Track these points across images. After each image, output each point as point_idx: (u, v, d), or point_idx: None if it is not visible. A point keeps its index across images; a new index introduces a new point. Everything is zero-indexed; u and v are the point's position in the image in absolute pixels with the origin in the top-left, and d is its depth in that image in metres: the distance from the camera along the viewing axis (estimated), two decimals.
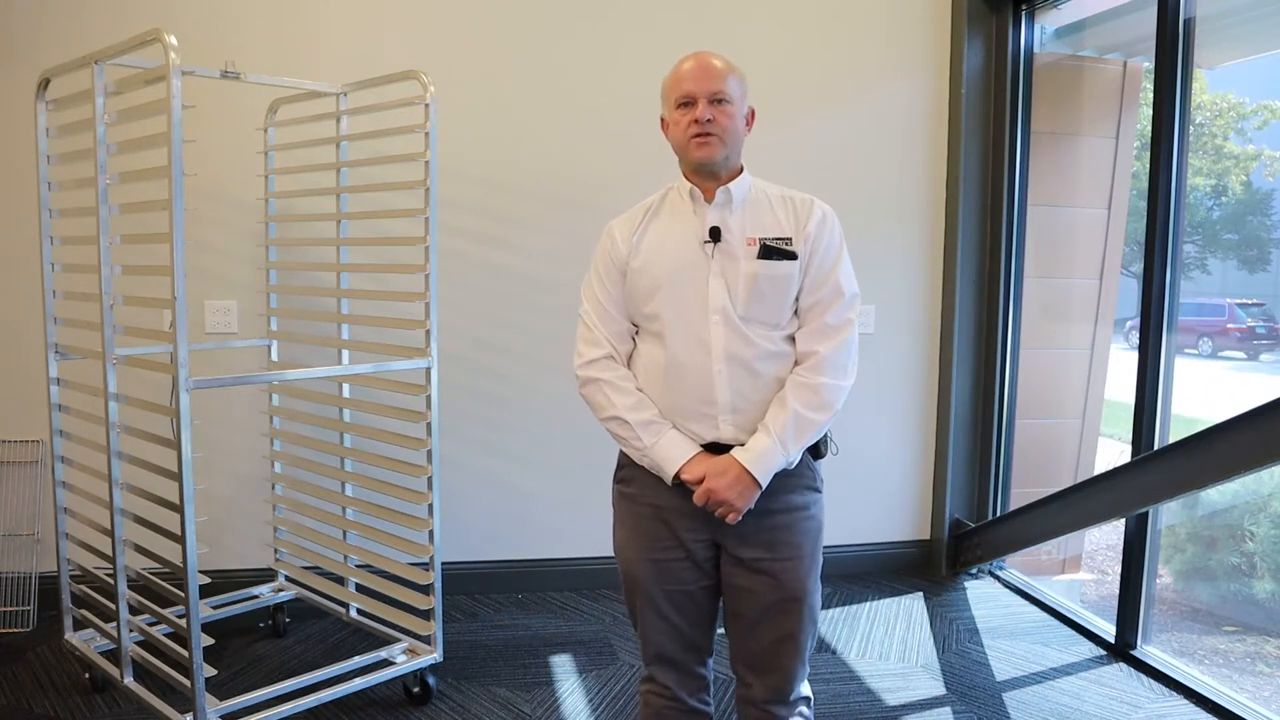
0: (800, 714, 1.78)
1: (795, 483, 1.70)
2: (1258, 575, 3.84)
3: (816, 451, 1.73)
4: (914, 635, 3.01)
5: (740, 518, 1.63)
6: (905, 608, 3.24)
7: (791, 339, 1.69)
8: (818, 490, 1.75)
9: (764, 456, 1.61)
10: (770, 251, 1.66)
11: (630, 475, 1.79)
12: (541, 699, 2.57)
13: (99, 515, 2.40)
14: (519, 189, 3.21)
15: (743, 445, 1.64)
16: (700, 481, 1.62)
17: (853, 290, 1.70)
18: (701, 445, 1.68)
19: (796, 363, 1.68)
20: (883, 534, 3.59)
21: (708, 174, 1.69)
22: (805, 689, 1.80)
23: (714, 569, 1.76)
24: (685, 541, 1.73)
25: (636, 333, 1.76)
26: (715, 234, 1.67)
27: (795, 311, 1.69)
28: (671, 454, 1.66)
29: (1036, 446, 3.73)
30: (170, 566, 2.13)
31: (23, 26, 2.89)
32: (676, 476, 1.65)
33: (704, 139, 1.64)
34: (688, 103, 1.65)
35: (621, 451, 1.79)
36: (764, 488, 1.63)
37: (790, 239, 1.67)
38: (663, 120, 1.73)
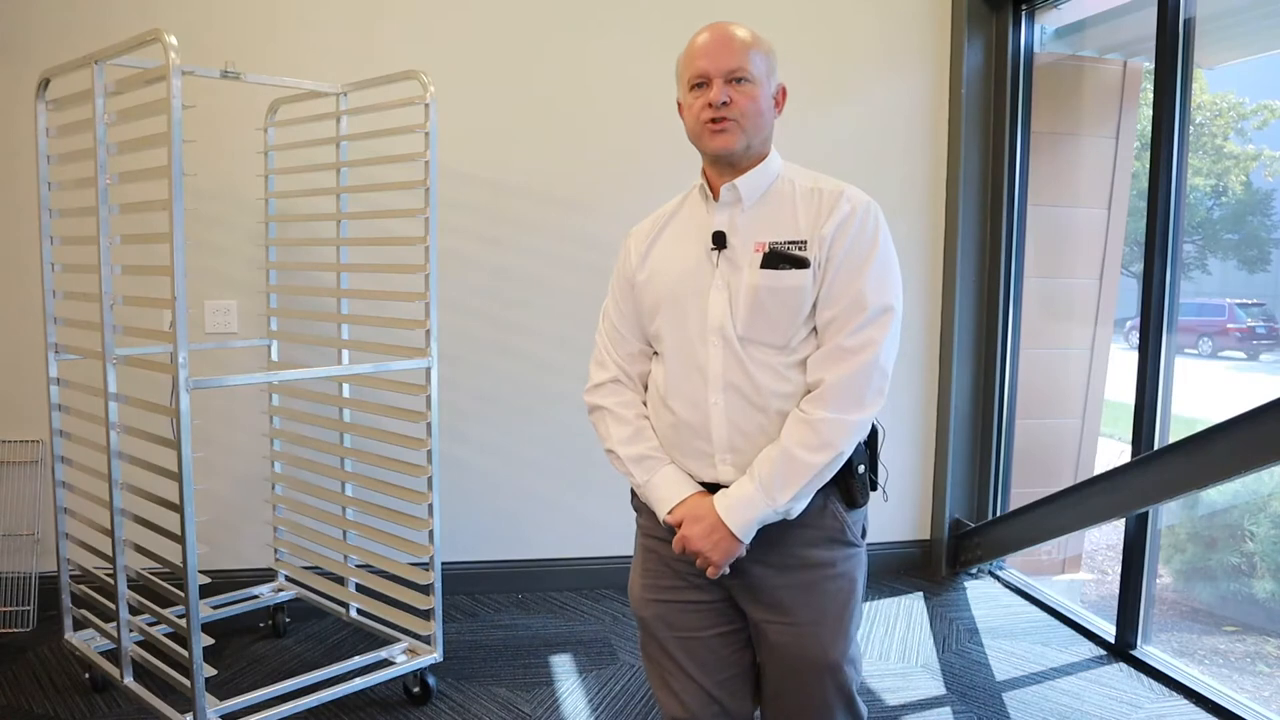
0: None
1: (815, 534, 1.43)
2: (1258, 575, 3.84)
3: (851, 499, 1.44)
4: (914, 635, 3.01)
5: (721, 572, 1.40)
6: (905, 607, 3.24)
7: (804, 365, 1.41)
8: (851, 544, 1.46)
9: (742, 506, 1.36)
10: (776, 258, 1.38)
11: (641, 504, 1.57)
12: (541, 699, 2.57)
13: (99, 515, 2.40)
14: (519, 189, 3.21)
15: None
16: (681, 525, 1.41)
17: (881, 303, 1.37)
18: (702, 484, 1.45)
19: (808, 392, 1.40)
20: (882, 534, 3.59)
21: (726, 166, 1.44)
22: None
23: (735, 613, 1.51)
24: (692, 582, 1.49)
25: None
26: (719, 239, 1.42)
27: (814, 330, 1.41)
28: (664, 494, 1.45)
29: (1036, 446, 3.73)
30: (170, 566, 2.13)
31: (23, 26, 2.88)
32: (666, 520, 1.45)
33: (720, 125, 1.39)
34: (701, 83, 1.40)
35: None
36: (745, 542, 1.38)
37: (804, 242, 1.38)
38: (678, 104, 1.50)
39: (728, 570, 1.42)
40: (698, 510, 1.40)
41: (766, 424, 1.40)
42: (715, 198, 1.46)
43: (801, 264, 1.38)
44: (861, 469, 1.44)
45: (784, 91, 1.48)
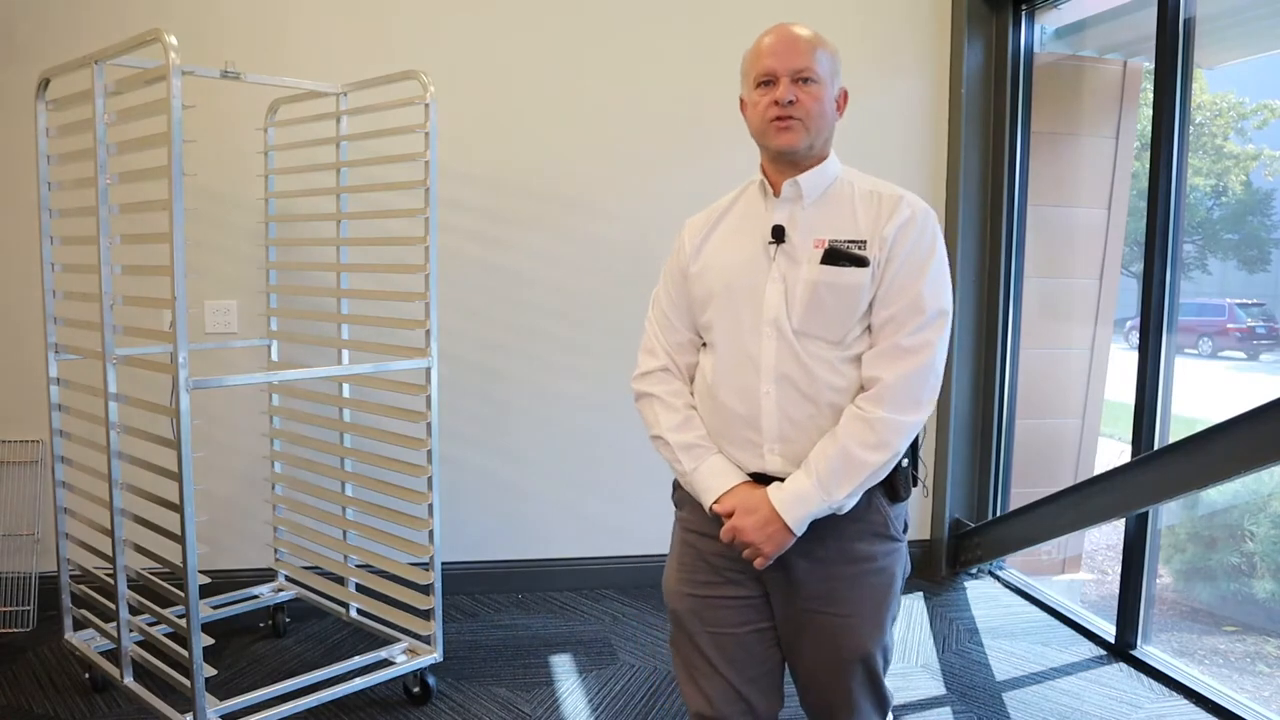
0: None
1: (860, 528, 1.46)
2: (1258, 575, 3.84)
3: (895, 493, 1.48)
4: (914, 635, 3.01)
5: (769, 563, 1.43)
6: (905, 607, 3.24)
7: (858, 361, 1.43)
8: (893, 539, 1.49)
9: (798, 500, 1.38)
10: (836, 255, 1.41)
11: (683, 498, 1.59)
12: (541, 699, 2.57)
13: (99, 515, 2.40)
14: (519, 189, 3.21)
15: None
16: (732, 515, 1.43)
17: (937, 307, 1.41)
18: (748, 474, 1.47)
19: (861, 388, 1.43)
20: None
21: (787, 163, 1.46)
22: None
23: (768, 611, 1.54)
24: (730, 578, 1.51)
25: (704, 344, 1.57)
26: (779, 233, 1.45)
27: (869, 328, 1.44)
28: (710, 483, 1.46)
29: (1036, 446, 3.73)
30: (170, 566, 2.13)
31: (23, 27, 2.88)
32: (713, 509, 1.47)
33: (785, 123, 1.41)
34: (768, 81, 1.43)
35: None
36: (797, 534, 1.40)
37: (864, 242, 1.41)
38: (741, 101, 1.52)
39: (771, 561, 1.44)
40: (750, 502, 1.42)
41: (817, 415, 1.43)
42: (776, 194, 1.48)
43: (861, 263, 1.41)
44: (905, 463, 1.47)
45: (845, 95, 1.51)
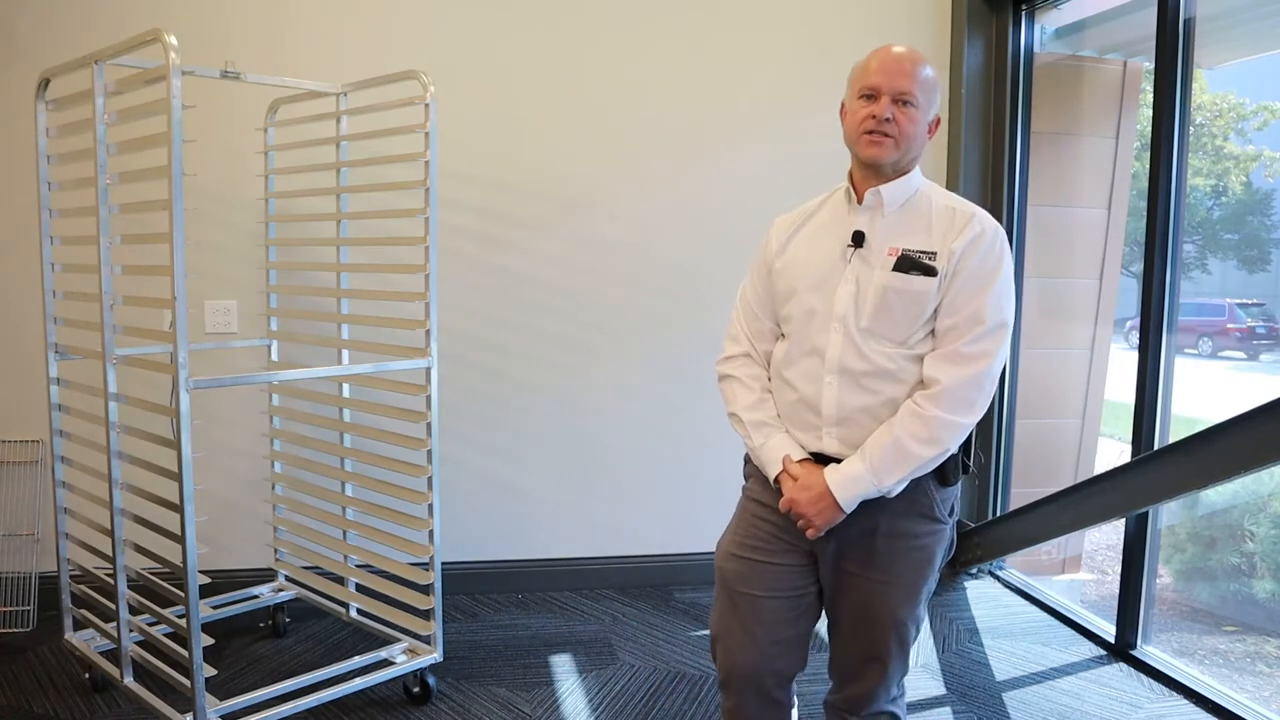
0: None
1: (907, 507, 1.59)
2: (1258, 575, 3.84)
3: (944, 479, 1.61)
4: None
5: (820, 534, 1.58)
6: None
7: (919, 360, 1.56)
8: (938, 520, 1.62)
9: (851, 482, 1.53)
10: (907, 264, 1.54)
11: (751, 470, 1.76)
12: (541, 699, 2.57)
13: (99, 515, 2.40)
14: (519, 189, 3.21)
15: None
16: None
17: (998, 320, 1.53)
18: (810, 453, 1.62)
19: (920, 385, 1.56)
20: None
21: (873, 172, 1.59)
22: (894, 706, 1.72)
23: (806, 583, 1.68)
24: (783, 546, 1.66)
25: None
26: (858, 238, 1.58)
27: (932, 332, 1.57)
28: (774, 457, 1.62)
29: (1036, 446, 3.73)
30: (170, 566, 2.13)
31: (23, 27, 2.88)
32: (777, 480, 1.62)
33: (877, 138, 1.54)
34: (871, 95, 1.55)
35: None
36: (847, 513, 1.55)
37: (935, 253, 1.54)
38: (842, 106, 1.64)
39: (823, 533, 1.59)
40: (808, 479, 1.56)
41: (874, 405, 1.56)
42: (859, 200, 1.61)
43: (930, 272, 1.54)
44: (958, 452, 1.59)
45: (938, 121, 1.65)
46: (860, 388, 1.56)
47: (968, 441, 1.61)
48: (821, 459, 1.60)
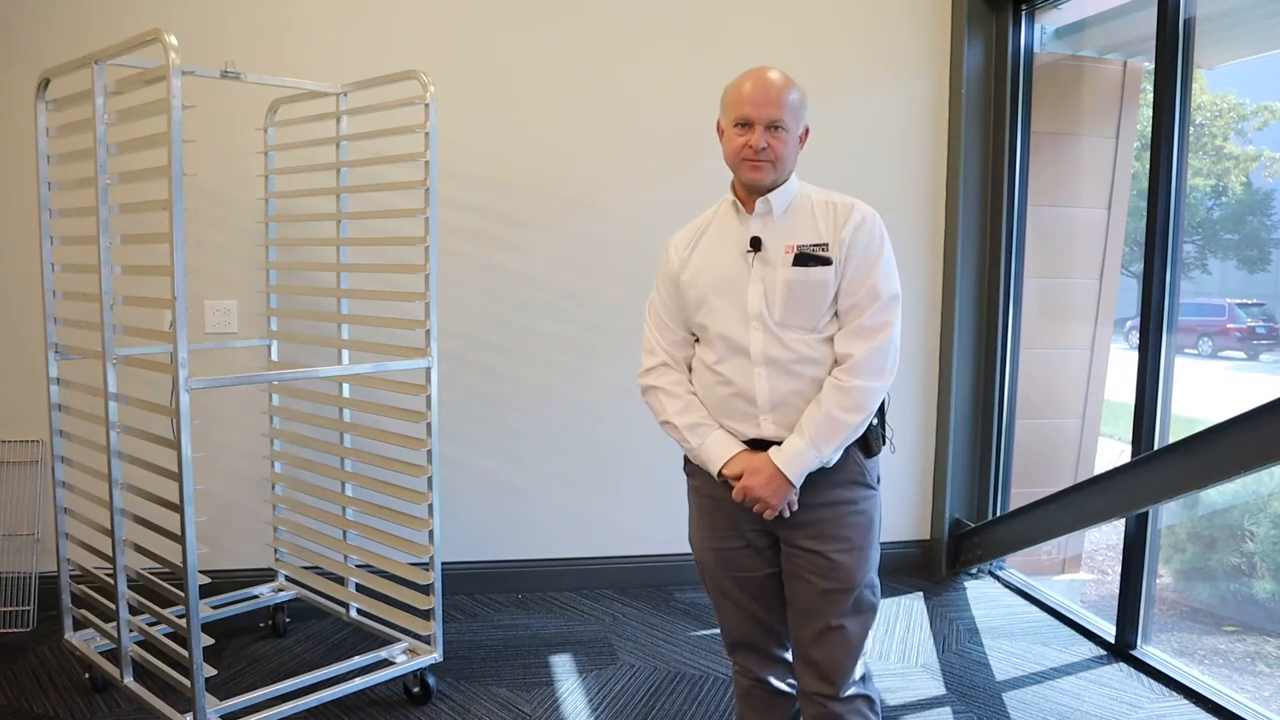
0: (860, 713, 1.80)
1: (841, 478, 1.75)
2: (1258, 575, 3.84)
3: (868, 449, 1.78)
4: (914, 635, 3.01)
5: (776, 514, 1.71)
6: (905, 608, 3.24)
7: (830, 341, 1.73)
8: (868, 486, 1.79)
9: (796, 458, 1.68)
10: (805, 259, 1.70)
11: (694, 469, 1.87)
12: (541, 699, 2.57)
13: (99, 515, 2.40)
14: (519, 189, 3.21)
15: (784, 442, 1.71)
16: (739, 478, 1.70)
17: (891, 292, 1.72)
18: (745, 442, 1.74)
19: (836, 363, 1.72)
20: (883, 533, 3.58)
21: (755, 189, 1.74)
22: (866, 688, 1.83)
23: (776, 556, 1.83)
24: (744, 531, 1.80)
25: (696, 340, 1.84)
26: (756, 244, 1.73)
27: (836, 314, 1.73)
28: (715, 453, 1.74)
29: (1036, 446, 3.73)
30: (170, 566, 2.13)
31: (23, 27, 2.89)
32: (721, 473, 1.74)
33: (756, 164, 1.69)
34: (745, 124, 1.69)
35: None
36: (797, 486, 1.69)
37: (826, 244, 1.71)
38: (719, 125, 1.77)
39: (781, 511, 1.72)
40: (755, 464, 1.70)
41: (802, 388, 1.72)
42: (749, 211, 1.75)
43: (826, 262, 1.70)
44: (875, 423, 1.77)
45: (808, 131, 1.78)
46: (787, 374, 1.71)
47: (883, 415, 1.80)
48: (760, 445, 1.73)
